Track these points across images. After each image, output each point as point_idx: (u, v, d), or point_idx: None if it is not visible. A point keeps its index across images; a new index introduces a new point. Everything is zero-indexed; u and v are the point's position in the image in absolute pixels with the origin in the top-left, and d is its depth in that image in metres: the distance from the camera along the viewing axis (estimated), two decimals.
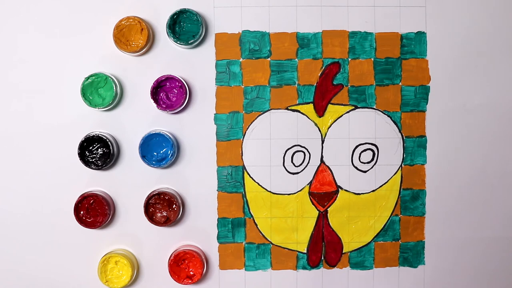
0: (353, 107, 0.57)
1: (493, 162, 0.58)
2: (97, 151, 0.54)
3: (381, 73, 0.57)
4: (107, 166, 0.55)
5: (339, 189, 0.57)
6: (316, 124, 0.57)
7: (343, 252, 0.58)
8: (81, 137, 0.54)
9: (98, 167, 0.54)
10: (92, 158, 0.55)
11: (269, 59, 0.56)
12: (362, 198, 0.57)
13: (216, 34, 0.56)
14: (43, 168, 0.56)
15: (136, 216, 0.56)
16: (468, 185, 0.58)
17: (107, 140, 0.54)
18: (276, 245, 0.57)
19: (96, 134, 0.54)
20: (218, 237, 0.57)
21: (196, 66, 0.56)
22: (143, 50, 0.55)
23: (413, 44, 0.57)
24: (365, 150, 0.57)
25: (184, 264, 0.56)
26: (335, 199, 0.57)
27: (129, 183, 0.56)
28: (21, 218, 0.56)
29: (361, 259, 0.58)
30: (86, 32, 0.56)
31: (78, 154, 0.54)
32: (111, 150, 0.54)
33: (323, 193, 0.57)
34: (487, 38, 0.57)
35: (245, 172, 0.57)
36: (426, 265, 0.58)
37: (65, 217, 0.56)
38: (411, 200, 0.57)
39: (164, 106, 0.55)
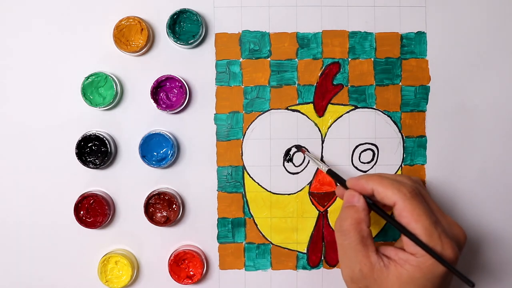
0: (353, 107, 0.57)
1: (493, 162, 0.58)
2: (94, 150, 0.54)
3: (381, 73, 0.57)
4: (105, 165, 0.55)
5: None
6: (316, 124, 0.57)
7: None
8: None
9: (96, 166, 0.54)
10: (90, 157, 0.55)
11: (269, 59, 0.57)
12: None
13: (216, 34, 0.56)
14: (43, 168, 0.56)
15: (136, 216, 0.56)
16: (468, 185, 0.58)
17: (104, 139, 0.54)
18: (276, 245, 0.57)
19: (93, 133, 0.54)
20: (218, 237, 0.57)
21: (196, 66, 0.56)
22: (143, 50, 0.55)
23: (413, 44, 0.57)
24: (365, 150, 0.57)
25: (184, 264, 0.56)
26: (335, 199, 0.57)
27: (129, 183, 0.56)
28: (21, 218, 0.56)
29: None
30: (86, 32, 0.56)
31: (76, 153, 0.54)
32: (109, 149, 0.54)
33: (323, 193, 0.57)
34: (487, 38, 0.57)
35: (245, 172, 0.57)
36: None
37: (65, 217, 0.56)
38: None
39: (164, 106, 0.55)
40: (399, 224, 0.44)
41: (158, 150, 0.55)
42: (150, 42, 0.55)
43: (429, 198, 0.48)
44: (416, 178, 0.52)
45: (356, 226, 0.46)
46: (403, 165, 0.57)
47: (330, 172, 0.52)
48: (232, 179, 0.57)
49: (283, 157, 0.57)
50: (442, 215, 0.47)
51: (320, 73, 0.57)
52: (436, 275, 0.43)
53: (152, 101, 0.54)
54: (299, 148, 0.56)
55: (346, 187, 0.49)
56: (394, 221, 0.45)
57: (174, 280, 0.55)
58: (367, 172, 0.57)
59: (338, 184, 0.50)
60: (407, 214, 0.44)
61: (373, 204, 0.47)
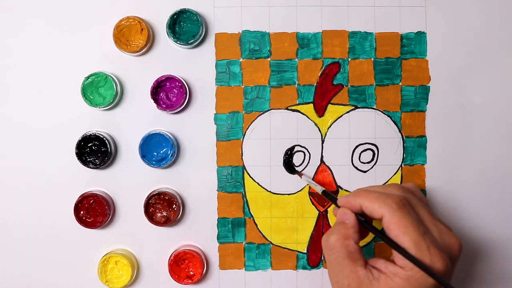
0: (353, 107, 0.57)
1: (493, 162, 0.58)
2: (94, 150, 0.54)
3: (381, 73, 0.57)
4: (105, 165, 0.55)
5: (339, 189, 0.57)
6: (316, 124, 0.57)
7: None
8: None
9: (96, 166, 0.54)
10: (90, 157, 0.55)
11: (269, 59, 0.57)
12: None
13: (216, 34, 0.56)
14: (43, 168, 0.56)
15: (136, 216, 0.56)
16: (468, 185, 0.58)
17: (104, 139, 0.54)
18: (276, 245, 0.57)
19: (93, 133, 0.54)
20: (218, 237, 0.57)
21: (196, 66, 0.56)
22: (143, 50, 0.55)
23: (413, 44, 0.57)
24: (365, 150, 0.57)
25: (184, 264, 0.56)
26: None
27: (129, 183, 0.56)
28: (21, 218, 0.56)
29: None
30: (86, 32, 0.56)
31: (76, 153, 0.54)
32: (109, 149, 0.54)
33: None
34: (487, 38, 0.57)
35: (245, 172, 0.57)
36: None
37: (65, 217, 0.56)
38: None
39: (164, 106, 0.55)
40: (388, 238, 0.44)
41: (158, 150, 0.55)
42: (150, 42, 0.55)
43: (420, 207, 0.47)
44: (409, 186, 0.51)
45: (343, 242, 0.45)
46: (403, 165, 0.57)
47: (325, 193, 0.53)
48: (232, 179, 0.57)
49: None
50: (434, 224, 0.46)
51: (320, 73, 0.57)
52: (425, 287, 0.43)
53: (152, 101, 0.54)
54: (297, 172, 0.56)
55: (339, 206, 0.49)
56: (384, 236, 0.44)
57: (174, 280, 0.55)
58: (367, 172, 0.57)
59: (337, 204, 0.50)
60: (394, 226, 0.43)
61: (364, 221, 0.47)
